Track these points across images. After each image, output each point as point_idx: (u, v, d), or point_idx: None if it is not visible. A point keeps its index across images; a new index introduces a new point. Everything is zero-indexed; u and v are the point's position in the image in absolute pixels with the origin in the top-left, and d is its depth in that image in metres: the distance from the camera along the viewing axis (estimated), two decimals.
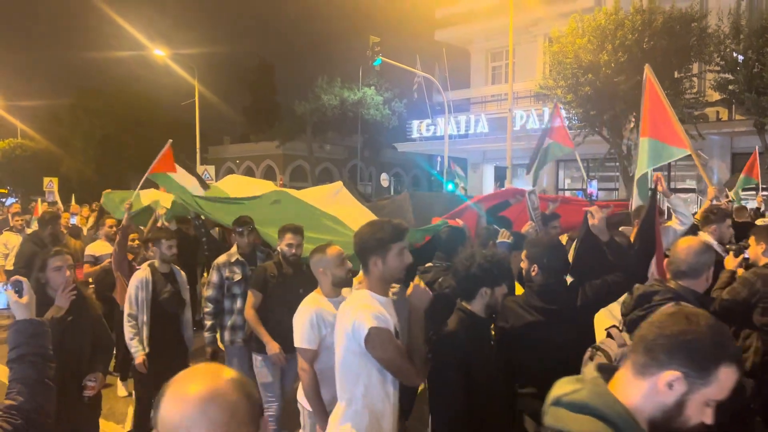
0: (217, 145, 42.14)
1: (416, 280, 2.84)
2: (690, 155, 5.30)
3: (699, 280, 2.95)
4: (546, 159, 8.27)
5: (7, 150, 39.31)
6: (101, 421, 4.12)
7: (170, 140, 7.14)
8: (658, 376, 1.43)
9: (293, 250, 4.86)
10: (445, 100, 22.65)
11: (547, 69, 18.09)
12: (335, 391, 2.95)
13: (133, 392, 5.50)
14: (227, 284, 5.23)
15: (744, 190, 10.64)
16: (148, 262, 5.28)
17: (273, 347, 4.61)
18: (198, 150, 30.23)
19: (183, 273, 5.46)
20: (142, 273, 5.11)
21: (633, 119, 16.24)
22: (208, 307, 5.21)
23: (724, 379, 1.41)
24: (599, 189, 20.63)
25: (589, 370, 1.59)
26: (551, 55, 17.06)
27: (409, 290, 2.80)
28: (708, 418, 1.43)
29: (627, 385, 1.49)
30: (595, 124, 16.50)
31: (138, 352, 4.96)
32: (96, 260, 6.75)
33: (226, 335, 5.24)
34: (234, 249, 5.41)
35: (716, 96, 16.77)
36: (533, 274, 3.45)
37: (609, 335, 3.04)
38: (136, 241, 6.48)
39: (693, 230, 5.04)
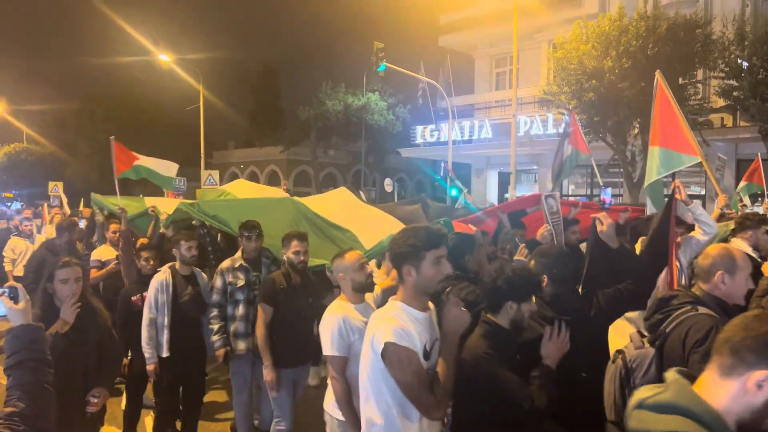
0: (221, 149, 42.30)
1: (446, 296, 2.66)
2: (699, 162, 5.25)
3: (712, 283, 2.85)
4: (572, 165, 8.25)
5: (13, 154, 39.47)
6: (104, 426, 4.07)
7: (112, 137, 7.38)
8: (747, 377, 1.43)
9: (301, 257, 4.74)
10: (449, 105, 22.68)
11: (551, 75, 18.10)
12: None
13: (153, 398, 5.45)
14: (230, 289, 5.13)
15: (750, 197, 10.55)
16: (169, 264, 5.23)
17: (269, 374, 4.55)
18: (202, 155, 30.31)
19: (204, 275, 5.41)
20: (162, 275, 5.08)
21: (637, 125, 16.23)
22: (213, 312, 5.13)
23: None
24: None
25: (671, 373, 1.59)
26: (555, 61, 17.07)
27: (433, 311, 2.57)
28: None
29: (713, 386, 1.48)
30: (599, 130, 16.49)
31: (151, 358, 4.91)
32: (102, 265, 6.81)
33: (229, 342, 5.12)
34: (238, 254, 5.31)
35: (721, 102, 16.73)
36: (543, 284, 3.34)
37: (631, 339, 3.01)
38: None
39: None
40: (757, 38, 14.71)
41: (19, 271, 9.06)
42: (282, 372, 4.63)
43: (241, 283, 5.11)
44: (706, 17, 16.72)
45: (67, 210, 13.58)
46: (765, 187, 10.02)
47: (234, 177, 39.91)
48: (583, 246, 6.14)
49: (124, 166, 7.83)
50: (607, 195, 5.74)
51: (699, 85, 16.91)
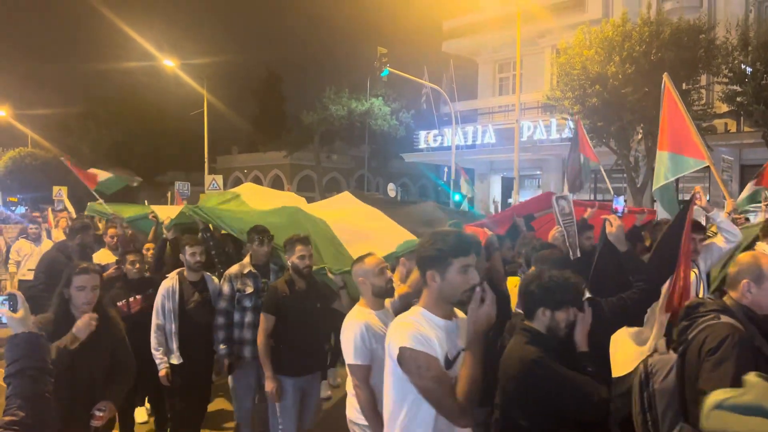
0: (225, 154, 42.39)
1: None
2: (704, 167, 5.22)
3: (739, 292, 2.76)
4: (588, 172, 8.25)
5: (18, 158, 39.58)
6: None
7: (65, 158, 7.61)
8: None
9: (306, 262, 4.61)
10: (452, 110, 22.70)
11: (555, 80, 18.12)
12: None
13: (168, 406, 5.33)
14: (238, 296, 4.99)
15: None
16: (177, 270, 5.14)
17: (270, 385, 4.46)
18: (206, 159, 30.38)
19: (216, 280, 5.27)
20: (169, 282, 4.99)
21: (640, 130, 16.22)
22: (220, 320, 5.00)
23: None
24: (605, 200, 20.57)
25: (751, 377, 1.58)
26: (559, 67, 17.09)
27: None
28: None
29: None
30: (603, 136, 16.49)
31: (162, 363, 4.84)
32: (102, 269, 6.78)
33: (234, 349, 5.01)
34: (247, 260, 5.18)
35: (724, 108, 16.72)
36: (583, 295, 3.15)
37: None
38: (150, 251, 6.32)
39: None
40: (760, 44, 14.71)
41: (23, 274, 9.03)
42: (287, 381, 4.53)
43: (249, 289, 4.99)
44: (709, 23, 16.73)
45: (73, 214, 13.58)
46: None
47: (238, 182, 40.00)
48: None
49: (92, 183, 8.42)
50: (619, 204, 5.62)
51: (702, 91, 16.91)
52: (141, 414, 5.94)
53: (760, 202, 9.76)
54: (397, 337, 2.36)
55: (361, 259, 3.59)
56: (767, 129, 14.80)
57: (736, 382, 1.95)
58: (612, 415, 2.86)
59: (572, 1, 22.15)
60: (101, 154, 38.21)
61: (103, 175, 8.65)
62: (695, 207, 4.14)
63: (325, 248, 5.27)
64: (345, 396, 3.59)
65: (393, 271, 4.94)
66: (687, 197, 20.11)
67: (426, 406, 2.33)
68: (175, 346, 4.88)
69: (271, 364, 4.50)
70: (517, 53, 19.17)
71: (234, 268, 5.13)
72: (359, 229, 5.64)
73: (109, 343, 3.53)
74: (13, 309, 2.29)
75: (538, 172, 24.26)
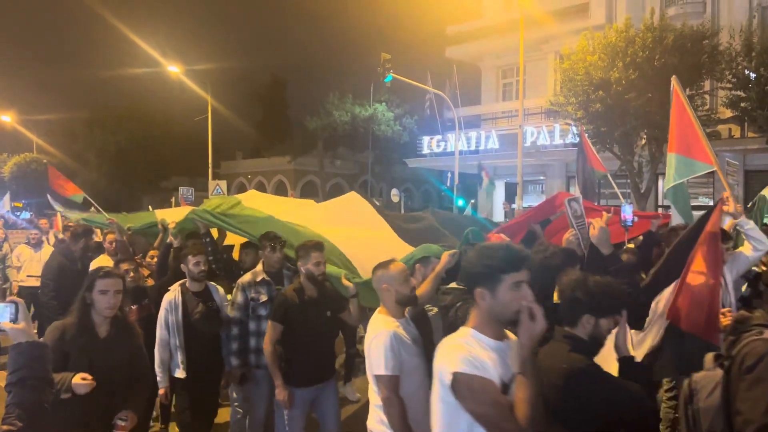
0: (229, 160, 42.52)
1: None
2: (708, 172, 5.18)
3: None
4: (594, 181, 8.24)
5: (23, 164, 39.76)
6: None
7: (46, 161, 7.66)
8: None
9: (321, 269, 4.47)
10: (455, 116, 22.73)
11: (558, 86, 18.13)
12: (418, 418, 2.76)
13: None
14: (252, 305, 4.87)
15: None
16: (180, 281, 4.96)
17: (281, 393, 4.35)
18: (210, 165, 30.48)
19: (221, 289, 5.13)
20: (171, 294, 4.82)
21: (644, 136, 16.22)
22: (234, 330, 4.88)
23: None
24: (612, 206, 20.55)
25: None
26: (562, 72, 17.10)
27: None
28: None
29: None
30: (606, 141, 16.49)
31: (162, 382, 4.69)
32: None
33: (252, 358, 4.90)
34: (260, 267, 5.04)
35: (728, 113, 16.70)
36: (626, 304, 3.02)
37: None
38: (155, 258, 6.20)
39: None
40: (764, 49, 14.71)
41: (23, 280, 8.98)
42: (297, 392, 4.42)
43: (263, 298, 4.87)
44: (713, 28, 16.73)
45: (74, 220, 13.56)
46: None
47: (241, 187, 40.10)
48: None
49: (67, 191, 8.65)
50: (627, 212, 5.54)
51: (706, 96, 16.89)
52: None
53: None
54: (449, 362, 2.18)
55: (385, 265, 3.46)
56: None
57: None
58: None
59: (575, 7, 22.20)
60: (106, 160, 38.39)
61: (78, 193, 8.94)
62: (721, 212, 3.96)
63: (336, 256, 5.16)
64: (359, 408, 3.48)
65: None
66: (693, 202, 20.06)
67: None
68: (180, 359, 4.71)
69: (280, 372, 4.40)
70: (521, 59, 19.19)
71: (247, 277, 4.99)
72: (364, 242, 5.49)
73: (127, 351, 3.46)
74: (15, 319, 2.25)
75: (542, 178, 24.25)
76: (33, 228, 11.75)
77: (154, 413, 5.88)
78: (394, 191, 25.66)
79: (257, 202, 6.81)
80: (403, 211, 18.78)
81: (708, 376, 2.64)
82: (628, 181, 17.20)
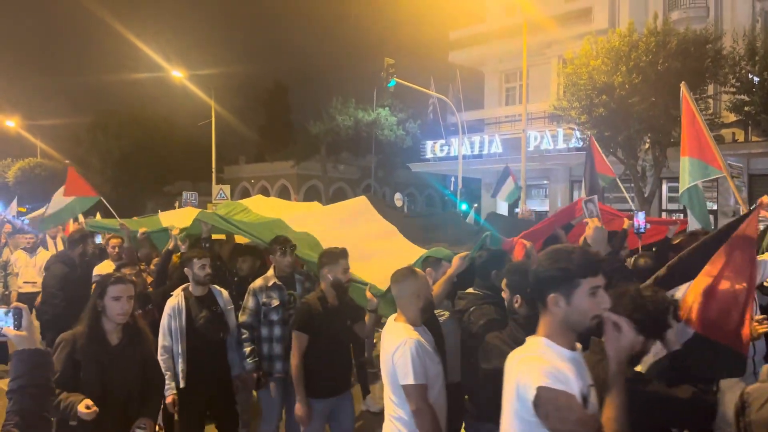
0: (232, 164, 42.60)
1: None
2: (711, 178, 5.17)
3: None
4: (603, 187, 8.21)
5: (27, 169, 39.91)
6: None
7: (68, 163, 7.40)
8: None
9: (348, 276, 4.39)
10: (458, 120, 22.75)
11: (561, 90, 18.15)
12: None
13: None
14: (264, 310, 4.78)
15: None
16: (182, 286, 4.85)
17: (302, 410, 4.19)
18: (213, 169, 30.54)
19: (225, 292, 5.01)
20: (174, 299, 4.70)
21: (648, 140, 16.21)
22: (244, 334, 4.79)
23: None
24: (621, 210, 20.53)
25: None
26: (565, 77, 17.12)
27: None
28: None
29: None
30: (610, 145, 16.50)
31: (169, 389, 4.48)
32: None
33: (264, 365, 4.80)
34: (271, 272, 4.96)
35: (732, 117, 16.69)
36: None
37: None
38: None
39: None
40: (767, 53, 14.70)
41: (20, 286, 8.84)
42: (316, 404, 4.30)
43: (275, 303, 4.79)
44: (716, 32, 16.72)
45: (83, 223, 13.53)
46: None
47: (245, 191, 40.18)
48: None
49: (83, 192, 8.43)
50: (640, 219, 5.48)
51: (710, 100, 16.89)
52: None
53: None
54: (530, 376, 2.01)
55: (413, 272, 3.41)
56: None
57: None
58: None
59: (578, 12, 22.22)
60: (110, 165, 38.51)
61: (93, 195, 8.75)
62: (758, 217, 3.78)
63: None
64: (373, 418, 3.44)
65: None
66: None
67: None
68: (180, 368, 4.56)
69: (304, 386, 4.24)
70: (524, 63, 19.21)
71: (258, 282, 4.92)
72: (370, 251, 5.30)
73: (140, 357, 3.41)
74: (18, 325, 2.23)
75: (545, 182, 24.24)
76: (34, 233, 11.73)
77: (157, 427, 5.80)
78: (397, 196, 25.66)
79: (264, 207, 6.74)
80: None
81: (761, 388, 2.54)
82: (632, 185, 17.19)
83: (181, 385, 4.56)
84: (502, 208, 25.70)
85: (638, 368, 2.60)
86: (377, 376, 7.08)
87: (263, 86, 50.14)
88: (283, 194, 37.32)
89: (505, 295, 3.15)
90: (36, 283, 8.60)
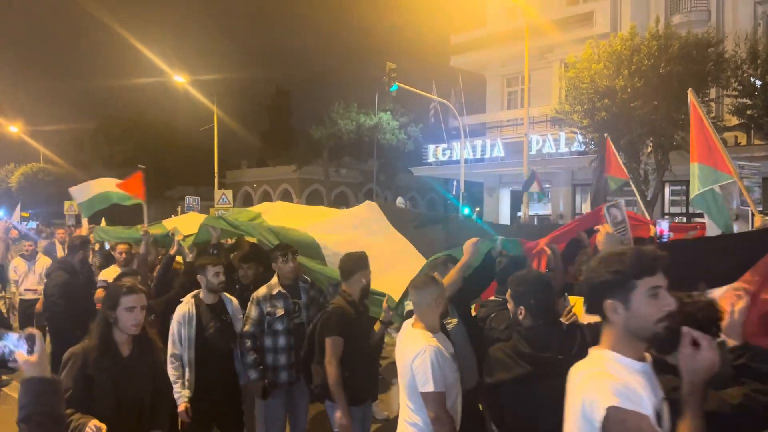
0: (234, 169, 42.66)
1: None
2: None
3: None
4: (609, 191, 8.06)
5: (30, 174, 40.00)
6: None
7: (142, 167, 7.24)
8: None
9: (370, 282, 4.31)
10: (460, 124, 22.78)
11: (563, 94, 18.17)
12: None
13: None
14: (268, 320, 4.66)
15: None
16: (192, 293, 4.72)
17: (346, 419, 4.01)
18: (216, 174, 30.58)
19: (235, 300, 4.91)
20: (185, 306, 4.56)
21: (650, 143, 16.20)
22: (247, 343, 4.65)
23: None
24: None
25: None
26: (567, 81, 17.14)
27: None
28: None
29: None
30: (600, 152, 16.50)
31: (181, 398, 4.35)
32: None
33: (269, 376, 4.68)
34: (275, 280, 4.83)
35: (734, 121, 16.69)
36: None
37: None
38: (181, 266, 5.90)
39: None
40: None
41: (20, 293, 8.72)
42: (352, 410, 4.14)
43: (280, 312, 4.67)
44: (718, 36, 16.73)
45: (86, 227, 13.51)
46: None
47: (247, 196, 40.23)
48: None
49: (131, 190, 8.21)
50: (664, 227, 5.39)
51: (712, 104, 16.89)
52: None
53: None
54: (598, 394, 1.80)
55: (433, 280, 3.36)
56: None
57: None
58: None
59: (580, 16, 22.25)
60: (112, 170, 38.56)
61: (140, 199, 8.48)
62: None
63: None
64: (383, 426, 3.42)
65: None
66: (694, 210, 19.82)
67: None
68: (187, 376, 4.43)
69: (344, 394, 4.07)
70: (526, 68, 19.24)
71: (262, 290, 4.78)
72: (383, 261, 5.12)
73: (151, 367, 3.34)
74: (30, 351, 2.18)
75: (547, 186, 24.23)
76: (40, 238, 11.73)
77: None
78: (399, 199, 25.71)
79: (278, 215, 6.56)
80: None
81: None
82: (635, 188, 17.18)
83: (189, 394, 4.44)
84: (504, 211, 25.76)
85: None
86: (384, 384, 7.05)
87: (265, 91, 50.35)
88: (286, 198, 37.34)
89: (510, 306, 3.09)
90: (36, 290, 8.53)
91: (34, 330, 2.25)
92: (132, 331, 3.23)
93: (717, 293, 3.12)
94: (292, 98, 48.82)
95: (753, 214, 5.50)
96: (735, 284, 3.13)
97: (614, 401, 1.77)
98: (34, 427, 2.14)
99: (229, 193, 21.99)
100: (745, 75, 15.25)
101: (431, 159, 25.99)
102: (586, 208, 23.72)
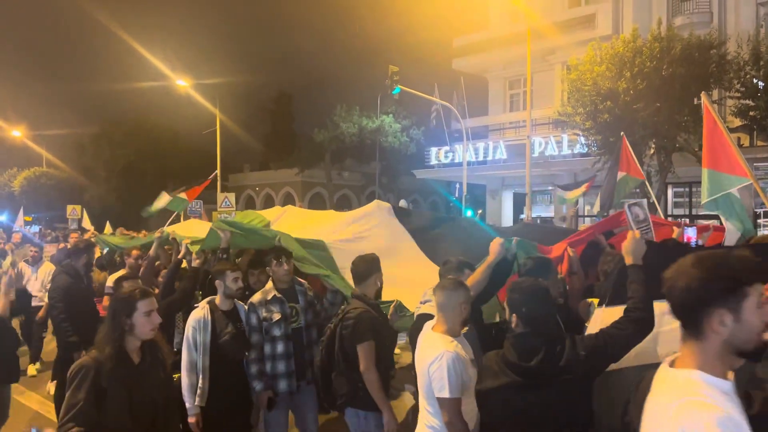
0: (237, 173, 42.72)
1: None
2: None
3: None
4: (621, 192, 7.89)
5: (33, 178, 40.12)
6: None
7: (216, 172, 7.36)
8: None
9: (381, 286, 4.22)
10: (463, 127, 22.78)
11: (565, 96, 18.19)
12: None
13: None
14: (265, 326, 4.50)
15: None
16: (207, 299, 4.59)
17: (393, 423, 3.87)
18: (218, 178, 30.63)
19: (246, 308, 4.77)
20: (200, 312, 4.43)
21: (653, 145, 16.19)
22: (252, 354, 4.49)
23: None
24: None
25: None
26: (570, 83, 17.14)
27: None
28: None
29: None
30: (614, 151, 16.49)
31: (192, 409, 4.22)
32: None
33: (267, 384, 4.53)
34: (270, 284, 4.68)
35: (737, 122, 16.67)
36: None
37: None
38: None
39: None
40: None
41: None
42: (378, 419, 3.98)
43: (276, 317, 4.50)
44: (720, 38, 16.73)
45: (91, 231, 13.50)
46: None
47: (249, 199, 40.27)
48: None
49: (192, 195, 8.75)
50: (692, 234, 5.30)
51: (715, 105, 16.86)
52: None
53: None
54: (698, 424, 1.57)
55: (461, 284, 3.30)
56: None
57: None
58: None
59: (582, 18, 22.27)
60: (115, 174, 38.69)
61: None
62: None
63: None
64: None
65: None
66: (697, 212, 19.81)
67: None
68: (199, 384, 4.28)
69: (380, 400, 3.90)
70: (528, 70, 19.24)
71: (257, 296, 4.63)
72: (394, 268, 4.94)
73: (162, 373, 3.25)
74: None
75: (550, 188, 24.21)
76: (44, 243, 11.71)
77: None
78: (402, 202, 25.68)
79: (290, 221, 6.43)
80: None
81: None
82: (638, 190, 17.16)
83: (201, 403, 4.30)
84: (507, 213, 25.74)
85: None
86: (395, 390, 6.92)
87: (267, 94, 50.48)
88: (288, 201, 37.40)
89: (506, 313, 3.00)
90: (37, 296, 8.48)
91: None
92: (149, 336, 3.15)
93: None
94: (294, 102, 48.99)
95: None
96: None
97: None
98: None
99: (232, 196, 22.04)
100: (748, 76, 15.24)
101: (434, 161, 25.99)
102: (588, 209, 23.70)
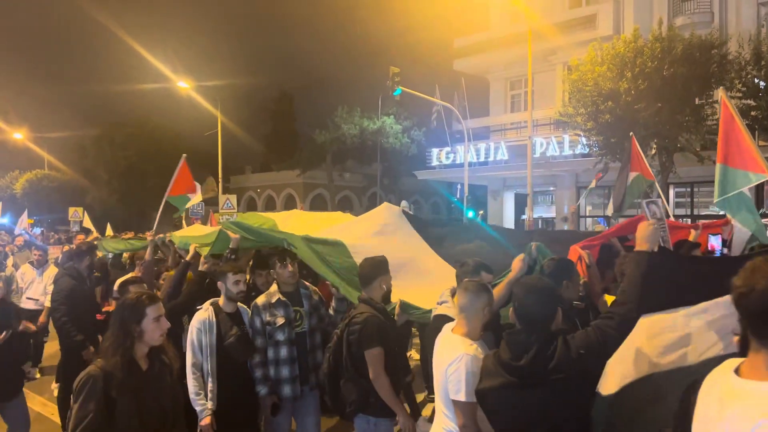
0: (238, 174, 42.77)
1: None
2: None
3: None
4: (634, 192, 7.82)
5: (35, 181, 40.18)
6: None
7: (184, 155, 7.38)
8: None
9: (389, 290, 4.15)
10: (464, 128, 22.77)
11: (566, 96, 18.19)
12: None
13: None
14: (269, 330, 4.43)
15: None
16: (210, 300, 4.54)
17: (407, 421, 3.84)
18: (220, 179, 30.67)
19: (249, 312, 4.69)
20: (204, 314, 4.36)
21: (654, 146, 16.18)
22: (256, 358, 4.43)
23: None
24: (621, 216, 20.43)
25: None
26: (571, 83, 17.14)
27: None
28: None
29: None
30: (616, 152, 16.49)
31: (204, 411, 4.14)
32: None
33: (271, 388, 4.48)
34: (274, 287, 4.61)
35: None
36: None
37: None
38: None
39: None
40: None
41: (23, 302, 8.41)
42: (389, 425, 3.96)
43: (280, 321, 4.43)
44: (721, 38, 16.72)
45: (95, 233, 13.48)
46: None
47: (251, 201, 40.30)
48: None
49: (182, 189, 8.58)
50: (716, 243, 5.21)
51: (716, 105, 16.86)
52: None
53: None
54: None
55: (486, 287, 3.25)
56: None
57: None
58: None
59: (583, 19, 22.27)
60: (116, 176, 38.75)
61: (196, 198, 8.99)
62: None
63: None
64: None
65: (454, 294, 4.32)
66: (699, 212, 19.71)
67: None
68: (209, 388, 4.22)
69: (392, 405, 3.84)
70: (529, 71, 19.24)
71: (261, 299, 4.57)
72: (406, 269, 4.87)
73: (169, 377, 3.19)
74: None
75: (552, 189, 24.22)
76: (47, 245, 11.71)
77: None
78: (403, 203, 25.57)
79: (295, 223, 6.37)
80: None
81: None
82: (649, 190, 17.16)
83: (213, 406, 4.23)
84: (508, 214, 25.73)
85: None
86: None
87: (269, 96, 50.42)
88: (290, 203, 37.46)
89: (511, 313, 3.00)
90: (38, 300, 8.42)
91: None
92: (158, 342, 3.09)
93: None
94: (295, 103, 49.09)
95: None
96: None
97: None
98: None
99: (233, 198, 22.01)
100: (749, 76, 15.24)
101: (435, 162, 26.00)
102: (590, 210, 23.70)
